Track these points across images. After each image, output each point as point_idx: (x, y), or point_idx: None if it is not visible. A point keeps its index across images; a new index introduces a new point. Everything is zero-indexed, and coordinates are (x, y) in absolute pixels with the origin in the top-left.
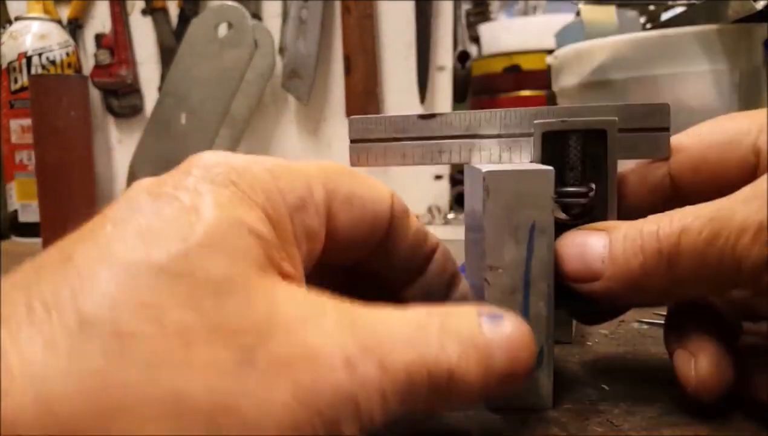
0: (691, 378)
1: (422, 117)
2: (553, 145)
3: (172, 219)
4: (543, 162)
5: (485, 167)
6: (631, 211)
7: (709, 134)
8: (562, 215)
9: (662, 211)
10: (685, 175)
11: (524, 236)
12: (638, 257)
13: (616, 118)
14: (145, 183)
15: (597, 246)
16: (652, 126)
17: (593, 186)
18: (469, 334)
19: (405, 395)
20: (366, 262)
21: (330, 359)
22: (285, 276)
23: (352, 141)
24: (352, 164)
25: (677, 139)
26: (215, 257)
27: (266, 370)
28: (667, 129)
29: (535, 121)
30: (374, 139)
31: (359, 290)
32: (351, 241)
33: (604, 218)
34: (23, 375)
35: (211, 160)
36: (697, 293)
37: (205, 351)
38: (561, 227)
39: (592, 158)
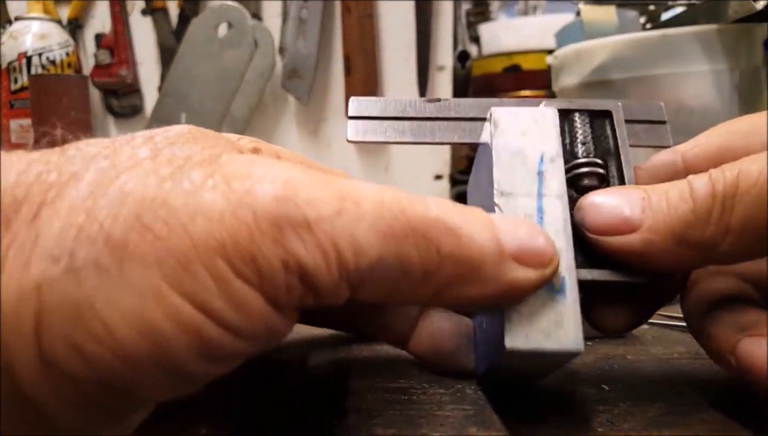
0: None
1: (428, 101)
2: (561, 127)
3: (152, 132)
4: None
5: (492, 108)
6: None
7: (727, 128)
8: (575, 194)
9: None
10: (706, 170)
11: (534, 164)
12: (687, 203)
13: (620, 103)
14: None
15: (634, 198)
16: (651, 119)
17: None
18: (467, 208)
19: (379, 228)
20: None
21: (268, 176)
22: None
23: (351, 117)
24: (350, 139)
25: (692, 140)
26: (179, 136)
27: (200, 180)
28: (665, 122)
29: (543, 103)
30: (375, 116)
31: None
32: None
33: None
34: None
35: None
36: (745, 251)
37: (148, 165)
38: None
39: (600, 141)
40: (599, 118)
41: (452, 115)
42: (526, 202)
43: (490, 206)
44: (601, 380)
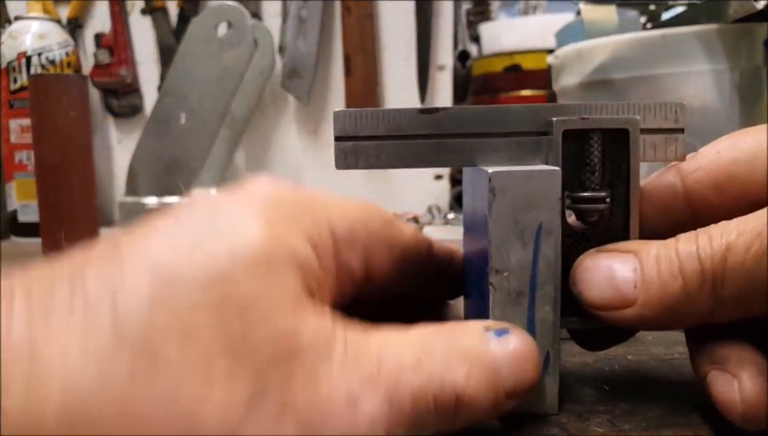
0: (737, 404)
1: (423, 111)
2: (571, 146)
3: (224, 232)
4: (563, 164)
5: (491, 168)
6: (641, 234)
7: (730, 149)
8: (578, 224)
9: (676, 234)
10: (707, 196)
11: (531, 238)
12: (677, 280)
13: (639, 117)
14: (204, 193)
15: (626, 270)
16: (668, 127)
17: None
18: (477, 352)
19: (411, 424)
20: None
21: (335, 398)
22: (315, 300)
23: (337, 138)
24: (338, 167)
25: (691, 158)
26: (255, 282)
27: (276, 409)
28: (682, 130)
29: (555, 119)
30: (364, 136)
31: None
32: (386, 282)
33: (625, 228)
34: (53, 376)
35: (266, 182)
36: (742, 315)
37: (224, 381)
38: (577, 237)
39: (611, 162)
40: (613, 135)
41: (451, 130)
42: (521, 280)
43: (483, 258)
44: (602, 380)
